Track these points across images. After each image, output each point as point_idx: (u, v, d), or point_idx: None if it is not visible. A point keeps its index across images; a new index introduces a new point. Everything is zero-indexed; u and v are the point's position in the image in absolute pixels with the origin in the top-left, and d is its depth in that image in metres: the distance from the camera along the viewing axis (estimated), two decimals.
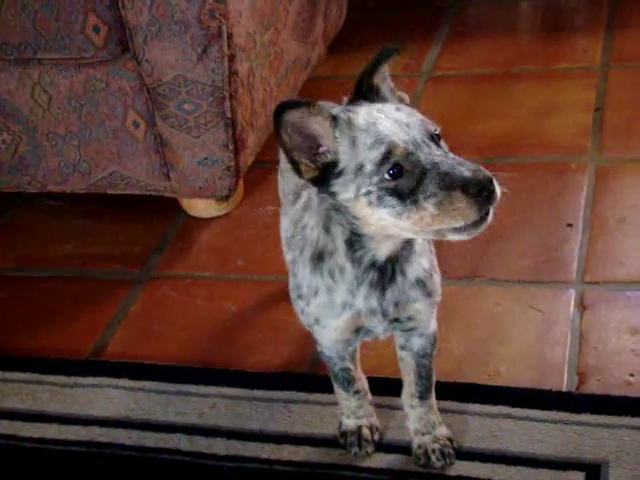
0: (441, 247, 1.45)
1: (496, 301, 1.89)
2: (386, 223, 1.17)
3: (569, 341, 1.75)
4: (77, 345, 1.96)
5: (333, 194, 1.19)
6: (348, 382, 1.53)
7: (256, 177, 2.34)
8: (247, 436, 1.65)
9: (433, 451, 1.53)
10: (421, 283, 1.34)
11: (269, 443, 1.63)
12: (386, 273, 1.30)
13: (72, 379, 1.84)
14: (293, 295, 1.39)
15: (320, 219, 1.28)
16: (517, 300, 1.88)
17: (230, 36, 1.92)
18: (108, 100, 2.04)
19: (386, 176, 1.14)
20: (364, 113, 1.18)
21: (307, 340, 1.60)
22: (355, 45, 2.90)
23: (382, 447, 1.59)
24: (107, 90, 2.03)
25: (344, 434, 1.60)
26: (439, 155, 1.14)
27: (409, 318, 1.37)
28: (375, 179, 1.14)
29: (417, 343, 1.46)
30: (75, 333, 2.01)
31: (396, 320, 1.36)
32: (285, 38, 2.29)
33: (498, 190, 1.13)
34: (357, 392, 1.56)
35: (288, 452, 1.61)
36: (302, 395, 1.71)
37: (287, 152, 1.17)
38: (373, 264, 1.28)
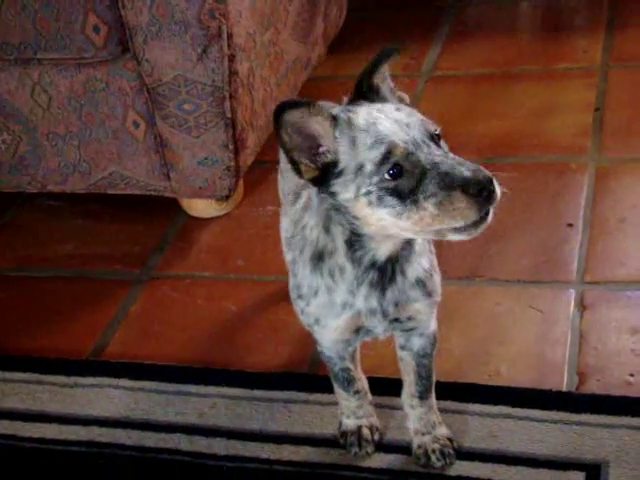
0: (441, 247, 1.44)
1: (496, 301, 1.89)
2: (386, 223, 1.17)
3: (569, 341, 1.75)
4: (77, 345, 1.96)
5: (333, 194, 1.19)
6: (348, 382, 1.53)
7: (256, 177, 2.34)
8: (247, 436, 1.65)
9: (433, 451, 1.53)
10: (421, 283, 1.34)
11: (269, 443, 1.63)
12: (386, 273, 1.30)
13: (72, 379, 1.84)
14: (293, 295, 1.39)
15: (320, 219, 1.28)
16: (517, 300, 1.88)
17: (230, 36, 1.92)
18: (108, 100, 2.04)
19: (386, 176, 1.14)
20: (364, 113, 1.17)
21: (307, 340, 1.60)
22: (355, 45, 2.90)
23: (382, 447, 1.59)
24: (107, 90, 2.03)
25: (344, 434, 1.60)
26: (439, 155, 1.14)
27: (409, 318, 1.37)
28: (375, 179, 1.14)
29: (417, 343, 1.46)
30: (75, 333, 2.00)
31: (396, 320, 1.36)
32: (285, 38, 2.29)
33: (498, 190, 1.13)
34: (357, 392, 1.56)
35: (288, 452, 1.61)
36: (302, 395, 1.71)
37: (287, 152, 1.17)
38: (373, 264, 1.28)
